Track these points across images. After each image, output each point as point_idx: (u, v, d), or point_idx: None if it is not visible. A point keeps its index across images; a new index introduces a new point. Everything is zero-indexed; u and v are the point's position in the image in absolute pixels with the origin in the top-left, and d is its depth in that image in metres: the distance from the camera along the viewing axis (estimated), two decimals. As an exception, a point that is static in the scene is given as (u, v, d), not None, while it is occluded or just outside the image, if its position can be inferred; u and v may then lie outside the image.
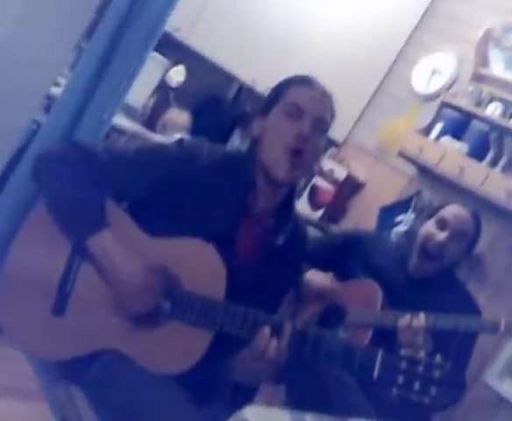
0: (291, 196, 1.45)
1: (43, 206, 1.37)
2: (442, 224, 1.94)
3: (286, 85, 1.41)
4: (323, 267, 2.16)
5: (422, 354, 1.19)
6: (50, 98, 1.66)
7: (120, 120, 2.23)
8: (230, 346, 1.31)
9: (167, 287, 1.30)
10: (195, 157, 1.39)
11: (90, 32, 1.58)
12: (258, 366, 1.23)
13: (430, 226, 1.98)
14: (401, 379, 1.17)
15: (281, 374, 1.34)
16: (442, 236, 1.92)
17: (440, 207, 2.03)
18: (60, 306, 1.31)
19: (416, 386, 1.16)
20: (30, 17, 1.50)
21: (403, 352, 1.21)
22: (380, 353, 1.19)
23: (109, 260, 1.28)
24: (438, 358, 1.18)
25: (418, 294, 1.94)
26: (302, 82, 1.41)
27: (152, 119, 2.85)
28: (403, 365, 1.18)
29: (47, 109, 1.72)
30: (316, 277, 2.02)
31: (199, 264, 1.31)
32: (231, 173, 1.41)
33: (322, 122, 1.38)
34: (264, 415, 0.99)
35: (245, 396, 1.39)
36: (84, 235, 1.29)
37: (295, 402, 1.45)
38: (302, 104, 1.36)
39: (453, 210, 1.97)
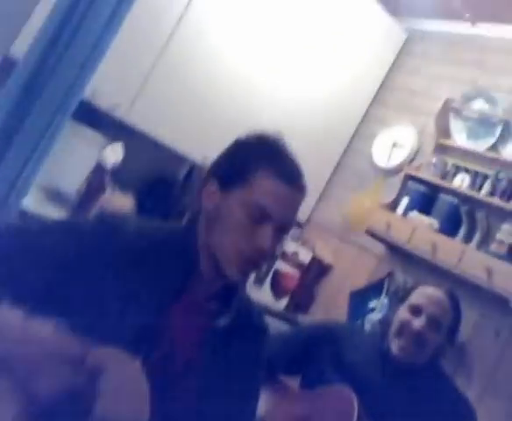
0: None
1: None
2: (415, 310, 1.77)
3: (255, 163, 1.16)
4: (288, 370, 1.96)
5: None
6: None
7: (47, 209, 1.98)
8: None
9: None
10: (117, 233, 1.15)
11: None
12: None
13: (403, 313, 1.80)
14: None
15: None
16: (417, 323, 1.74)
17: (412, 289, 1.86)
18: None
19: None
20: None
21: None
22: None
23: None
24: None
25: (399, 392, 1.74)
26: (275, 168, 1.16)
27: (83, 204, 2.54)
28: None
29: None
30: (278, 410, 1.77)
31: (115, 379, 1.01)
32: (165, 251, 1.17)
33: (288, 226, 1.19)
34: None
35: None
36: None
37: None
38: (269, 208, 1.13)
39: (426, 293, 1.80)
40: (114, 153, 2.65)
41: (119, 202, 2.61)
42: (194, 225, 1.20)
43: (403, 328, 1.76)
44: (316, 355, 1.90)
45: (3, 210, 1.43)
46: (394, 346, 1.77)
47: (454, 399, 1.80)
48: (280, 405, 1.82)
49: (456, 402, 1.80)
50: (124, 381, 1.01)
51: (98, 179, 2.62)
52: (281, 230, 1.16)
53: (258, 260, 1.16)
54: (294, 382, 1.97)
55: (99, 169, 2.65)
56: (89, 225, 1.17)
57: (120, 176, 2.74)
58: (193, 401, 1.12)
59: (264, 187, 1.13)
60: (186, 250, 1.17)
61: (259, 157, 1.16)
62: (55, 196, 2.30)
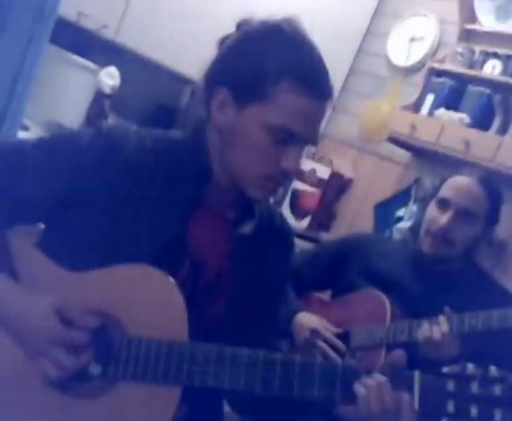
0: None
1: None
2: (443, 204, 1.69)
3: (277, 74, 1.02)
4: (318, 285, 2.00)
5: (471, 368, 0.99)
6: None
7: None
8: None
9: (106, 340, 1.01)
10: (118, 145, 1.08)
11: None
12: None
13: (431, 210, 1.73)
14: (451, 406, 0.98)
15: None
16: (443, 219, 1.66)
17: (441, 182, 1.75)
18: None
19: (474, 412, 0.97)
20: None
21: (447, 369, 1.00)
22: (417, 376, 0.99)
23: (3, 307, 1.01)
24: (494, 369, 0.99)
25: (435, 293, 1.69)
26: (303, 80, 1.02)
27: None
28: (451, 386, 0.98)
29: None
30: (306, 319, 1.80)
31: (146, 297, 1.03)
32: (174, 162, 1.11)
33: (313, 141, 1.10)
34: None
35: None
36: None
37: None
38: (295, 128, 1.02)
39: (455, 184, 1.70)
40: (110, 77, 2.48)
41: None
42: (202, 136, 1.11)
43: (431, 225, 1.69)
44: (344, 267, 1.89)
45: None
46: (424, 245, 1.72)
47: (494, 293, 1.73)
48: (314, 312, 1.84)
49: (496, 295, 1.72)
50: (160, 297, 1.02)
51: (98, 106, 2.48)
52: (305, 145, 1.09)
53: (283, 182, 1.11)
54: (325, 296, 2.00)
55: (98, 97, 2.50)
56: (89, 140, 1.08)
57: (119, 103, 2.58)
58: (226, 309, 1.12)
59: (289, 104, 1.01)
60: (196, 160, 1.10)
61: (279, 62, 1.02)
62: (58, 130, 2.18)
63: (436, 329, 1.56)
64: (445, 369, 1.01)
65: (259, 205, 1.18)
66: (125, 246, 1.06)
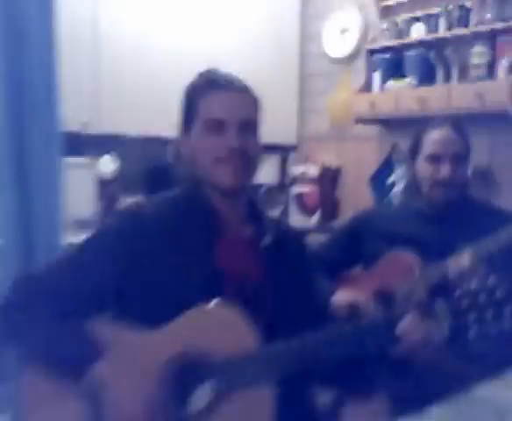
0: (251, 200, 1.34)
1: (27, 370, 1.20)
2: (435, 159, 1.83)
3: (194, 95, 1.28)
4: (346, 264, 2.09)
5: (475, 284, 1.15)
6: None
7: (77, 237, 2.09)
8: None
9: (199, 370, 1.14)
10: (141, 218, 1.25)
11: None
12: None
13: (425, 167, 1.86)
14: (471, 318, 1.13)
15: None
16: (444, 170, 1.81)
17: (419, 139, 1.89)
18: None
19: (489, 315, 1.12)
20: None
21: (458, 292, 1.15)
22: (440, 307, 1.15)
23: (111, 395, 1.12)
24: (491, 279, 1.14)
25: (448, 236, 1.83)
26: (210, 86, 1.27)
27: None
28: (465, 303, 1.13)
29: None
30: (342, 296, 1.89)
31: (219, 326, 1.17)
32: (186, 210, 1.28)
33: (248, 122, 1.26)
34: None
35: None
36: (80, 378, 1.12)
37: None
38: (220, 115, 1.24)
39: (436, 138, 1.84)
40: (108, 165, 2.76)
41: None
42: (194, 178, 1.30)
43: (433, 179, 1.83)
44: (363, 241, 2.01)
45: (56, 250, 1.62)
46: (435, 196, 1.84)
47: (501, 214, 1.91)
48: (350, 287, 1.94)
49: (503, 214, 1.90)
50: (229, 324, 1.16)
51: (108, 192, 2.76)
52: (246, 128, 1.25)
53: (234, 158, 1.23)
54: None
55: (104, 185, 2.78)
56: (117, 224, 1.25)
57: (123, 182, 2.85)
58: (270, 316, 1.23)
59: (205, 105, 1.25)
60: (200, 199, 1.28)
61: (195, 91, 1.29)
62: (81, 224, 2.41)
63: (462, 260, 1.69)
64: (457, 292, 1.16)
65: (266, 219, 1.35)
66: (182, 289, 1.19)
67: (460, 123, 1.89)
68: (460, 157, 1.83)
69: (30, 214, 1.60)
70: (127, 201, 2.73)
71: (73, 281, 1.21)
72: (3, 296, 1.23)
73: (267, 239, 1.30)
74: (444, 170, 1.81)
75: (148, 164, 3.10)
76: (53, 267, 1.24)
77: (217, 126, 1.24)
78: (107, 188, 2.77)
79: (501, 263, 1.72)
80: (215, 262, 1.23)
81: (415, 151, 1.91)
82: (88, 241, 1.27)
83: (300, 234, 1.49)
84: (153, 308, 1.19)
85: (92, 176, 2.78)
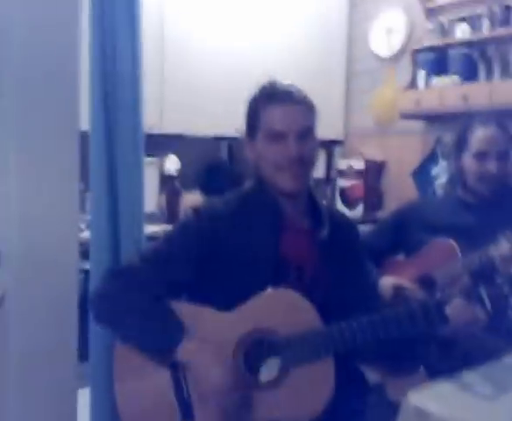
0: (310, 193, 1.48)
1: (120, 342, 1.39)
2: (481, 156, 1.95)
3: (257, 108, 1.43)
4: (390, 251, 2.20)
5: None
6: (81, 244, 1.75)
7: (148, 229, 2.26)
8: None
9: (268, 345, 1.31)
10: (216, 217, 1.41)
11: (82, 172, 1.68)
12: None
13: (471, 163, 1.98)
14: (511, 301, 1.26)
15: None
16: (491, 166, 1.93)
17: (465, 135, 2.01)
18: (187, 415, 1.32)
19: None
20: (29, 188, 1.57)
21: (500, 278, 1.29)
22: (483, 289, 1.26)
23: (196, 370, 1.29)
24: None
25: (490, 224, 1.92)
26: (271, 99, 1.41)
27: (172, 214, 2.95)
28: (507, 289, 1.26)
29: (84, 254, 1.82)
30: (387, 281, 2.02)
31: (284, 308, 1.33)
32: (253, 208, 1.43)
33: (305, 130, 1.40)
34: (430, 393, 1.07)
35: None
36: (169, 353, 1.30)
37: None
38: (280, 127, 1.38)
39: (483, 136, 1.95)
40: (173, 162, 2.99)
41: (193, 199, 2.93)
42: (259, 178, 1.45)
43: (479, 175, 1.94)
44: (407, 230, 2.12)
45: (139, 243, 1.80)
46: (480, 191, 1.96)
47: None
48: (394, 273, 2.04)
49: None
50: (293, 305, 1.32)
51: (171, 189, 2.97)
52: (302, 137, 1.38)
53: (294, 165, 1.38)
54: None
55: (168, 181, 3.00)
56: (197, 222, 1.41)
57: (184, 180, 3.06)
58: (327, 299, 1.37)
59: (268, 115, 1.39)
60: (266, 196, 1.43)
61: (258, 103, 1.43)
62: (148, 218, 2.52)
63: (503, 246, 1.77)
64: (499, 279, 1.29)
65: (324, 213, 1.47)
66: (250, 276, 1.35)
67: (503, 120, 2.00)
68: (506, 154, 1.96)
69: (117, 210, 1.77)
70: (187, 196, 3.00)
71: (159, 271, 1.38)
72: (98, 286, 1.43)
73: (325, 231, 1.44)
74: (491, 166, 1.93)
75: (205, 162, 3.33)
76: (143, 259, 1.41)
77: (278, 136, 1.38)
78: (170, 184, 3.00)
79: None
80: (279, 253, 1.39)
81: (461, 147, 2.03)
82: (171, 236, 1.45)
83: (353, 223, 1.61)
84: (228, 292, 1.35)
85: (157, 174, 3.02)
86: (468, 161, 2.00)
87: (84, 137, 1.73)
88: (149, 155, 2.85)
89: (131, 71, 1.69)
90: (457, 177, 2.10)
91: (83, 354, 1.77)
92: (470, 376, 1.14)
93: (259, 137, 1.42)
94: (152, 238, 1.97)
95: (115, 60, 1.67)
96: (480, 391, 1.07)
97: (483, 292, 1.28)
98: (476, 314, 1.27)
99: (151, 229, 2.48)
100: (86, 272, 1.87)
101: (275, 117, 1.39)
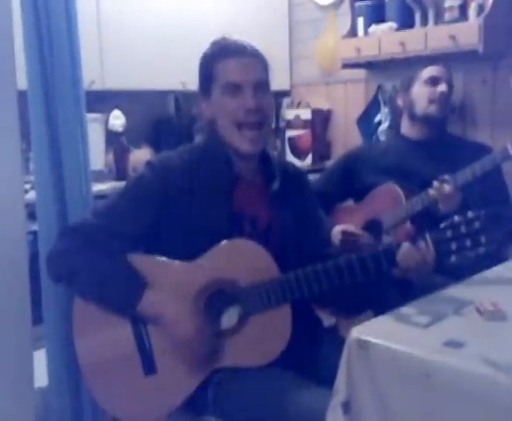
0: (263, 149, 1.51)
1: (78, 299, 1.42)
2: (433, 81, 2.18)
3: (212, 62, 1.44)
4: (339, 198, 2.36)
5: (456, 217, 1.34)
6: (28, 206, 1.78)
7: (96, 187, 2.28)
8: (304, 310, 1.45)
9: (227, 295, 1.37)
10: (170, 168, 1.43)
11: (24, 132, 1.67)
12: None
13: (421, 89, 2.18)
14: (453, 246, 1.33)
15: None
16: (443, 87, 2.16)
17: (415, 75, 2.21)
18: (149, 366, 1.38)
19: (468, 243, 1.32)
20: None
21: (443, 224, 1.34)
22: (428, 236, 1.34)
23: (160, 318, 1.35)
24: (470, 213, 1.33)
25: (430, 165, 2.09)
26: (225, 53, 1.43)
27: (120, 171, 2.91)
28: (449, 234, 1.33)
29: (31, 215, 1.84)
30: (338, 229, 2.12)
31: (242, 258, 1.39)
32: (207, 162, 1.46)
33: (261, 83, 1.42)
34: (371, 326, 1.17)
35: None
36: (131, 307, 1.35)
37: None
38: (236, 79, 1.40)
39: (433, 70, 2.19)
40: (117, 118, 2.92)
41: (142, 155, 2.89)
42: (213, 134, 1.48)
43: (433, 97, 2.15)
44: (354, 176, 2.27)
45: (86, 199, 1.81)
46: (431, 113, 2.16)
47: (474, 146, 2.22)
48: (343, 219, 2.18)
49: (475, 146, 2.20)
50: (252, 255, 1.38)
51: (119, 144, 2.92)
52: (259, 88, 1.41)
53: (253, 118, 1.40)
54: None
55: (114, 137, 2.95)
56: (151, 173, 1.43)
57: (131, 134, 3.02)
58: (284, 244, 1.47)
59: (223, 69, 1.42)
60: (220, 151, 1.46)
61: (212, 58, 1.45)
62: (96, 176, 2.52)
63: (443, 187, 1.90)
64: (442, 225, 1.34)
65: (275, 165, 1.51)
66: (206, 228, 1.39)
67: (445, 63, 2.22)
68: (451, 86, 2.20)
69: (61, 169, 1.76)
70: (135, 153, 2.98)
71: (116, 225, 1.41)
72: (55, 244, 1.46)
73: (277, 183, 1.50)
74: (443, 87, 2.16)
75: (152, 117, 3.31)
76: (99, 214, 1.44)
77: (234, 89, 1.40)
78: (116, 141, 2.95)
79: (475, 190, 1.97)
80: (233, 205, 1.44)
81: (409, 83, 2.23)
82: (126, 190, 1.47)
83: (303, 173, 1.67)
84: (185, 245, 1.40)
85: (102, 130, 2.96)
86: (419, 90, 2.19)
87: (24, 96, 1.70)
88: (93, 112, 2.77)
89: (65, 25, 1.68)
90: (395, 123, 2.23)
91: (37, 317, 1.79)
92: (408, 309, 1.25)
93: (215, 92, 1.43)
94: (100, 196, 1.97)
95: (48, 16, 1.65)
96: (415, 321, 1.18)
97: (428, 237, 1.34)
98: (423, 258, 1.34)
99: (99, 187, 2.48)
100: (34, 233, 1.87)
101: (230, 69, 1.41)
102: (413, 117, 2.22)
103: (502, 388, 0.92)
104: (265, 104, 1.42)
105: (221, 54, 1.43)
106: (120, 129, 2.94)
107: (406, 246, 1.35)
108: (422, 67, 2.21)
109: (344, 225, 2.12)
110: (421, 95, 2.19)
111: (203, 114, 1.49)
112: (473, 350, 1.02)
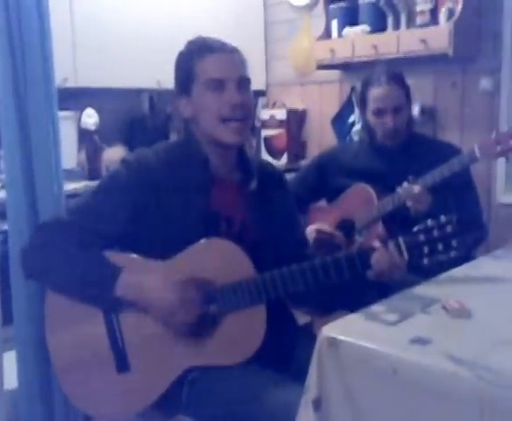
0: (241, 148, 1.52)
1: (51, 293, 1.42)
2: (379, 113, 2.13)
3: (192, 60, 1.43)
4: (313, 198, 2.38)
5: (429, 221, 1.36)
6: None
7: (68, 186, 2.28)
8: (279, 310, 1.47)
9: (204, 293, 1.37)
10: (146, 166, 1.43)
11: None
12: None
13: (373, 119, 2.16)
14: (426, 249, 1.35)
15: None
16: (389, 122, 2.11)
17: (364, 95, 2.19)
18: (122, 363, 1.39)
19: (440, 247, 1.35)
20: None
21: (416, 228, 1.37)
22: (401, 240, 1.36)
23: (141, 294, 1.34)
24: (443, 217, 1.36)
25: (401, 167, 2.11)
26: (205, 51, 1.42)
27: (93, 170, 2.87)
28: (422, 237, 1.35)
29: (2, 215, 1.83)
30: (310, 229, 2.15)
31: (218, 257, 1.39)
32: (183, 160, 1.46)
33: (243, 79, 1.44)
34: (341, 325, 1.19)
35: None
36: (109, 291, 1.34)
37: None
38: (219, 75, 1.40)
39: (378, 94, 2.12)
40: (90, 116, 2.89)
41: (116, 154, 2.82)
42: (190, 133, 1.48)
43: (383, 130, 2.14)
44: (327, 177, 2.30)
45: (58, 199, 1.78)
46: (386, 142, 2.15)
47: (443, 147, 2.22)
48: (317, 219, 2.21)
49: (444, 147, 2.21)
50: (228, 255, 1.38)
51: (91, 143, 2.87)
52: (241, 84, 1.42)
53: (238, 114, 1.41)
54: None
55: (87, 136, 2.91)
56: (126, 172, 1.42)
57: (105, 133, 2.99)
58: (258, 248, 1.45)
59: (205, 66, 1.41)
60: (196, 151, 1.46)
61: (192, 55, 1.44)
62: (68, 175, 2.48)
63: (412, 188, 1.94)
64: (415, 228, 1.36)
65: (253, 164, 1.51)
66: (182, 227, 1.39)
67: (397, 74, 2.14)
68: (400, 106, 2.12)
69: (32, 167, 1.74)
70: (109, 151, 2.94)
71: (91, 223, 1.41)
72: (29, 241, 1.45)
73: (254, 183, 1.50)
74: (389, 122, 2.11)
75: (125, 116, 3.28)
76: (73, 212, 1.44)
77: (218, 85, 1.40)
78: (89, 139, 2.91)
79: (446, 193, 1.99)
80: (210, 205, 1.44)
81: (363, 105, 2.20)
82: (100, 188, 1.46)
83: (280, 172, 1.68)
84: (160, 244, 1.39)
85: (75, 128, 2.93)
86: (370, 118, 2.19)
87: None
88: (66, 110, 2.74)
89: (37, 22, 1.66)
90: (366, 128, 2.26)
91: (7, 318, 1.78)
92: (377, 307, 1.28)
93: (196, 90, 1.43)
94: (73, 195, 1.96)
95: (19, 13, 1.64)
96: (384, 319, 1.21)
97: (401, 241, 1.37)
98: (395, 262, 1.36)
99: (71, 186, 2.46)
100: (5, 233, 1.85)
101: (212, 66, 1.41)
102: (373, 136, 2.22)
103: (465, 384, 0.95)
104: (248, 100, 1.44)
105: (201, 52, 1.43)
106: (93, 127, 2.91)
107: (380, 249, 1.38)
108: (368, 87, 2.16)
109: (319, 224, 2.16)
110: (372, 124, 2.18)
111: (182, 112, 1.48)
112: (438, 347, 1.06)
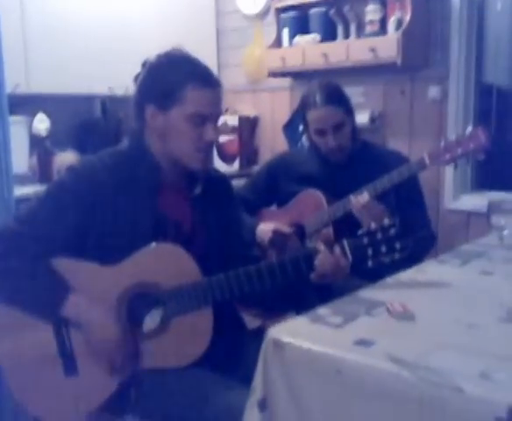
0: None
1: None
2: (321, 133, 2.14)
3: (182, 82, 1.41)
4: (264, 203, 2.38)
5: (373, 225, 1.40)
6: None
7: (19, 191, 2.28)
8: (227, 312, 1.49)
9: (150, 297, 1.39)
10: (93, 173, 1.42)
11: None
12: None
13: (315, 139, 2.17)
14: (370, 251, 1.40)
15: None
16: (330, 142, 2.12)
17: (304, 116, 2.19)
18: (70, 367, 1.40)
19: (383, 249, 1.39)
20: None
21: (360, 231, 1.41)
22: (345, 242, 1.40)
23: (84, 326, 1.37)
24: (386, 220, 1.41)
25: (349, 175, 2.15)
26: (199, 80, 1.41)
27: (44, 175, 2.87)
28: (366, 240, 1.40)
29: None
30: (267, 226, 2.17)
31: (166, 262, 1.41)
32: (132, 166, 1.46)
33: (220, 114, 1.50)
34: (287, 327, 1.21)
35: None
36: (56, 310, 1.36)
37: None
38: (205, 112, 1.42)
39: (316, 117, 2.12)
40: (41, 121, 2.87)
41: (68, 159, 2.82)
42: (141, 141, 1.48)
43: (325, 148, 2.16)
44: (278, 182, 2.31)
45: (8, 204, 1.77)
46: (331, 158, 2.17)
47: (391, 156, 2.24)
48: (268, 222, 2.20)
49: (393, 156, 2.23)
50: (175, 259, 1.39)
51: (42, 148, 2.87)
52: (218, 119, 1.49)
53: (211, 149, 1.50)
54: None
55: (38, 141, 2.90)
56: (73, 179, 1.42)
57: (57, 138, 2.97)
58: (207, 246, 1.50)
59: (195, 97, 1.40)
60: (145, 160, 1.46)
61: (184, 78, 1.41)
62: (20, 179, 2.50)
63: (361, 196, 1.96)
64: (359, 232, 1.40)
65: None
66: (130, 232, 1.40)
67: (336, 92, 2.14)
68: (340, 124, 2.12)
69: None
70: (60, 156, 2.91)
71: (38, 231, 1.39)
72: None
73: (199, 188, 1.53)
74: (330, 142, 2.12)
75: (77, 121, 3.26)
76: (20, 220, 1.41)
77: (201, 120, 1.42)
78: (40, 144, 2.90)
79: (392, 198, 2.05)
80: (157, 209, 1.45)
81: (304, 123, 2.20)
82: (47, 195, 1.44)
83: (226, 177, 1.71)
84: (109, 249, 1.40)
85: (26, 134, 2.90)
86: (313, 136, 2.20)
87: None
88: (17, 115, 2.74)
89: None
90: (312, 146, 2.25)
91: None
92: (323, 310, 1.30)
93: (177, 114, 1.41)
94: (24, 199, 1.95)
95: None
96: (329, 321, 1.23)
97: (345, 244, 1.40)
98: (338, 264, 1.40)
99: (22, 191, 2.44)
100: None
101: (203, 100, 1.41)
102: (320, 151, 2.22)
103: (406, 384, 0.97)
104: (219, 135, 1.46)
105: (193, 79, 1.41)
106: (44, 133, 2.89)
107: (323, 251, 1.40)
108: (306, 109, 2.16)
109: (276, 224, 2.17)
110: (316, 142, 2.18)
111: (148, 120, 1.45)
112: (381, 348, 1.08)
